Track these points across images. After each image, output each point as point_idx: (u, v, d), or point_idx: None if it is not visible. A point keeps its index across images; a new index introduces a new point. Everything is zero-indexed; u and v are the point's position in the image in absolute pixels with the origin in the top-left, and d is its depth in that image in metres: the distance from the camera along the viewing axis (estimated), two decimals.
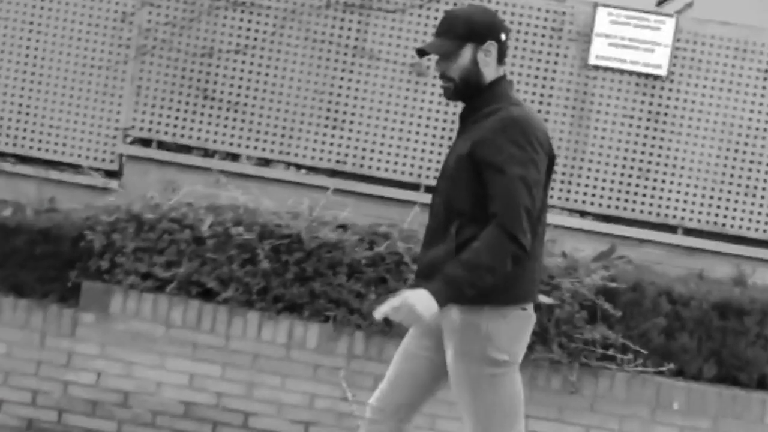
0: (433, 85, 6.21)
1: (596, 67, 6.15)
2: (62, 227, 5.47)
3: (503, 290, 3.08)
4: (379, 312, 3.00)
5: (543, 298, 5.28)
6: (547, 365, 5.26)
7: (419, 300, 2.96)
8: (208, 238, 5.36)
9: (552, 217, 6.12)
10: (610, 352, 5.27)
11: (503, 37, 3.14)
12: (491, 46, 3.11)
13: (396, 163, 6.22)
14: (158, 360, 5.38)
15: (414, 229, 5.61)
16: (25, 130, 6.23)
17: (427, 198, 6.17)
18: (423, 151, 6.22)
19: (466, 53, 3.09)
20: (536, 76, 6.18)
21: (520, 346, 3.17)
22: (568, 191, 6.21)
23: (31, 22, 6.22)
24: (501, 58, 3.16)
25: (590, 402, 5.30)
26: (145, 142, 6.25)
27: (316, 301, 5.37)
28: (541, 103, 6.18)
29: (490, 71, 3.13)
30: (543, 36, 6.17)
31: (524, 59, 6.19)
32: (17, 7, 6.22)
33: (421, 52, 3.21)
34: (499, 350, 3.10)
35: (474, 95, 3.13)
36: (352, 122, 6.22)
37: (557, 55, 6.17)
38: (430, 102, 6.22)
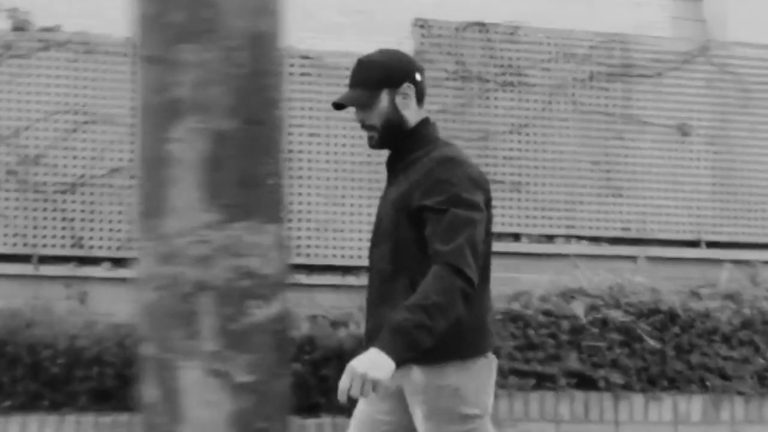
0: (699, 143, 6.33)
1: None
2: None
3: (465, 343, 2.84)
4: (341, 394, 2.55)
5: None
6: None
7: (368, 363, 2.55)
8: (586, 325, 5.24)
9: None
10: None
11: (418, 77, 2.95)
12: (408, 89, 2.93)
13: (676, 222, 6.28)
14: None
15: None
16: (308, 237, 5.82)
17: (708, 254, 6.27)
18: (698, 207, 6.31)
19: (384, 99, 2.92)
20: None
21: (488, 395, 2.92)
22: None
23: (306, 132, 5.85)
24: (420, 99, 2.97)
25: None
26: None
27: (695, 372, 5.35)
28: None
29: (411, 114, 2.94)
30: None
31: None
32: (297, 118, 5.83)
33: (338, 106, 2.97)
34: (468, 405, 2.83)
35: (399, 141, 2.95)
36: (629, 188, 6.22)
37: None
38: (698, 159, 6.32)
